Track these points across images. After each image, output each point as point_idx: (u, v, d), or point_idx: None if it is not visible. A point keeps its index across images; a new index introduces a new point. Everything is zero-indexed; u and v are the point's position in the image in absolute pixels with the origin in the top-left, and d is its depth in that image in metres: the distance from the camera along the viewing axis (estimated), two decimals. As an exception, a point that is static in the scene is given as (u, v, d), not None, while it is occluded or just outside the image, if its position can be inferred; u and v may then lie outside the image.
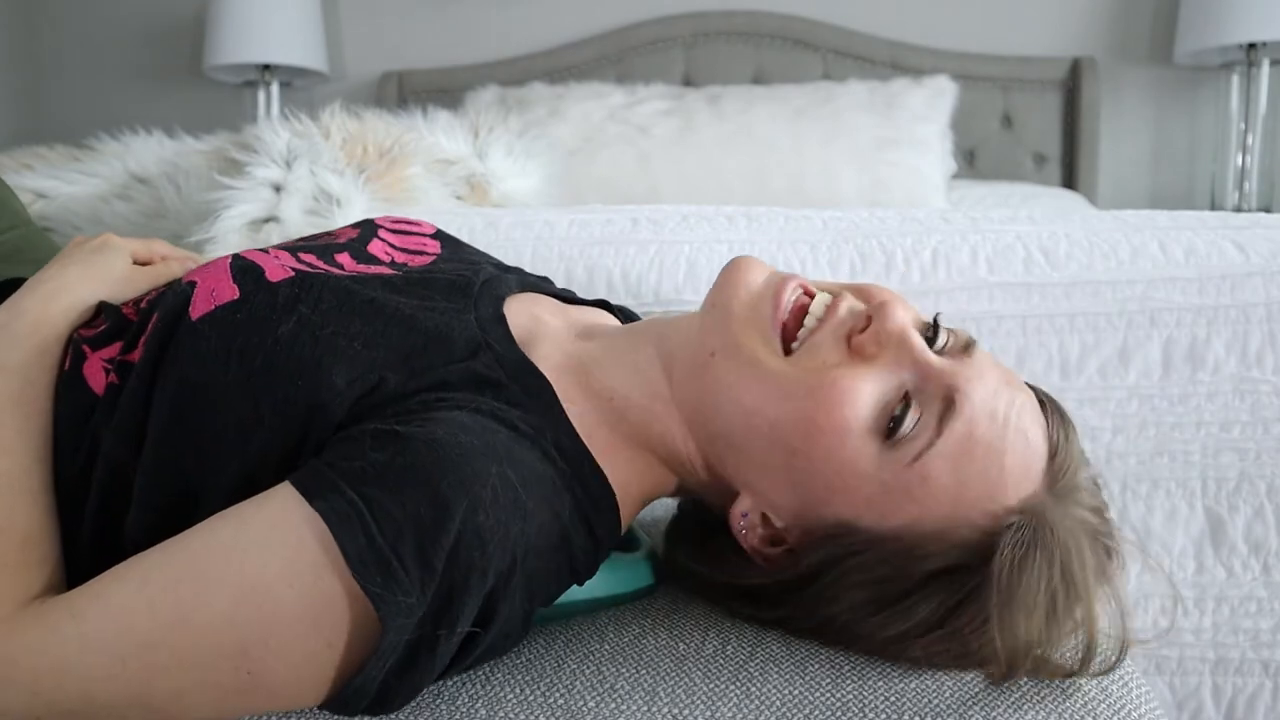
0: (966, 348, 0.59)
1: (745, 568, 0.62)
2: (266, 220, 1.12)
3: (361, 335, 0.58)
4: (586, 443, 0.60)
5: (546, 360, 0.64)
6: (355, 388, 0.56)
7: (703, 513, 0.68)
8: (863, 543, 0.57)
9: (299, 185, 1.14)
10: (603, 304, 0.81)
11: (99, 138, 1.59)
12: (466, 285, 0.66)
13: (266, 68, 2.71)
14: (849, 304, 0.61)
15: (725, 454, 0.62)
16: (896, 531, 0.57)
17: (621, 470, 0.62)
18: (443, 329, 0.61)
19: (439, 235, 0.78)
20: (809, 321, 0.60)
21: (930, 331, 0.60)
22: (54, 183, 1.36)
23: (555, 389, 0.61)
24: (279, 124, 1.26)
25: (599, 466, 0.60)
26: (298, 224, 1.11)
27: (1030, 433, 0.58)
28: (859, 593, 0.57)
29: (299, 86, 2.85)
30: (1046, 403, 0.61)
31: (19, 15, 3.02)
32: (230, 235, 1.10)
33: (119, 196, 1.33)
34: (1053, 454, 0.58)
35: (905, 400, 0.57)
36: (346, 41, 2.87)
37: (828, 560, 0.58)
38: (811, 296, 0.61)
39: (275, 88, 2.77)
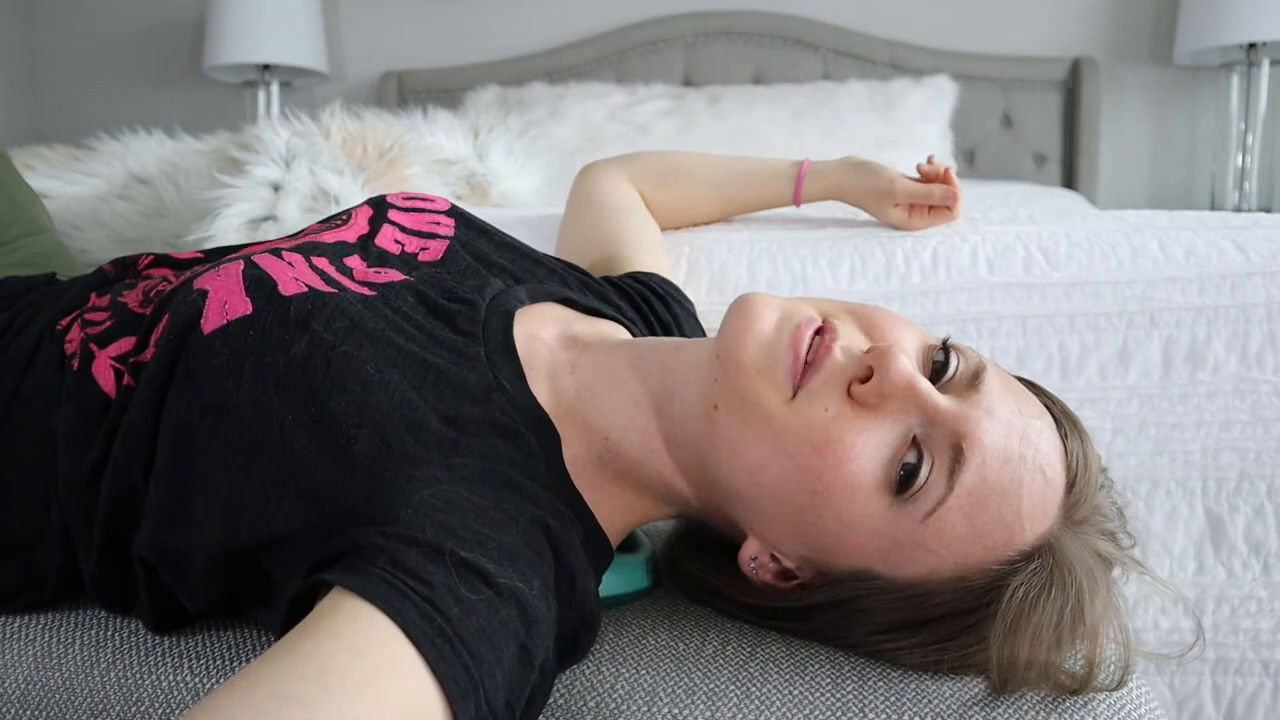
0: (976, 377, 0.56)
1: (750, 589, 0.62)
2: (265, 219, 1.12)
3: (374, 360, 0.57)
4: (576, 482, 0.60)
5: (540, 396, 0.62)
6: (366, 427, 0.54)
7: (705, 528, 0.66)
8: (875, 588, 0.56)
9: (298, 185, 1.14)
10: (632, 276, 0.83)
11: (99, 138, 1.59)
12: (473, 313, 0.64)
13: (266, 68, 2.71)
14: (845, 343, 0.57)
15: (731, 504, 0.60)
16: (911, 580, 0.55)
17: (607, 505, 0.62)
18: (452, 367, 0.60)
19: (453, 212, 0.76)
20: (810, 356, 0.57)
21: (941, 356, 0.57)
22: (54, 183, 1.36)
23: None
24: (279, 124, 1.26)
25: (598, 524, 0.60)
26: (296, 223, 1.11)
27: (1047, 468, 0.55)
28: (869, 624, 0.57)
29: (299, 86, 2.85)
30: (1063, 421, 0.58)
31: (19, 15, 3.02)
32: (229, 234, 1.10)
33: (119, 196, 1.33)
34: (1071, 483, 0.56)
35: (915, 451, 0.54)
36: (346, 41, 2.87)
37: (839, 600, 0.57)
38: (820, 333, 0.58)
39: (275, 88, 2.76)
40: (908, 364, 0.54)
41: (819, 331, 0.57)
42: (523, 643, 0.48)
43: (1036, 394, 0.60)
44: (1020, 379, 0.62)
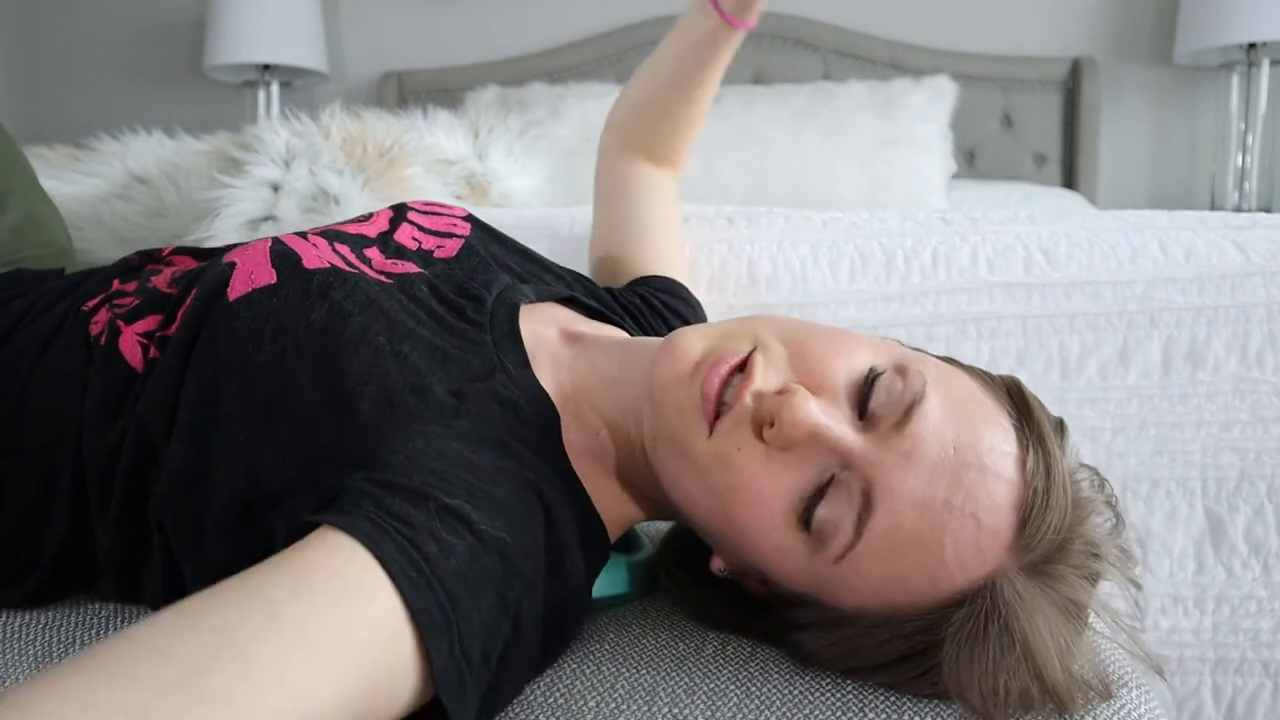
0: (908, 412, 0.52)
1: (734, 595, 0.62)
2: (265, 219, 1.12)
3: (386, 333, 0.59)
4: (575, 467, 0.61)
5: (545, 384, 0.64)
6: (373, 385, 0.56)
7: (690, 540, 0.67)
8: (820, 617, 0.56)
9: (297, 185, 1.14)
10: (634, 284, 0.83)
11: (99, 138, 1.59)
12: (480, 305, 0.67)
13: (266, 68, 2.71)
14: (760, 385, 0.55)
15: (689, 522, 0.62)
16: (848, 613, 0.55)
17: (604, 497, 0.63)
18: (459, 352, 0.62)
19: (470, 218, 0.79)
20: (730, 395, 0.56)
21: (866, 389, 0.54)
22: (54, 183, 1.36)
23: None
24: (279, 124, 1.26)
25: (592, 506, 0.60)
26: (295, 223, 1.11)
27: (982, 513, 0.51)
28: (831, 653, 0.57)
29: (299, 86, 2.85)
30: (1032, 445, 0.53)
31: (18, 15, 3.02)
32: (228, 234, 1.10)
33: (119, 196, 1.33)
34: (1023, 523, 0.51)
35: (820, 493, 0.53)
36: (346, 41, 2.87)
37: (796, 622, 0.58)
38: (743, 368, 0.56)
39: (275, 88, 2.76)
40: (809, 413, 0.52)
41: (745, 363, 0.56)
42: (502, 594, 0.48)
43: (1014, 407, 0.56)
44: (1010, 387, 0.58)
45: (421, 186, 1.26)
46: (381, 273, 0.67)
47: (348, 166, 1.20)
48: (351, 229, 0.72)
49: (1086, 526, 0.54)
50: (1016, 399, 0.56)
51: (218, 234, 1.10)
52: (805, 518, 0.53)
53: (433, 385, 0.58)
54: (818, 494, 0.53)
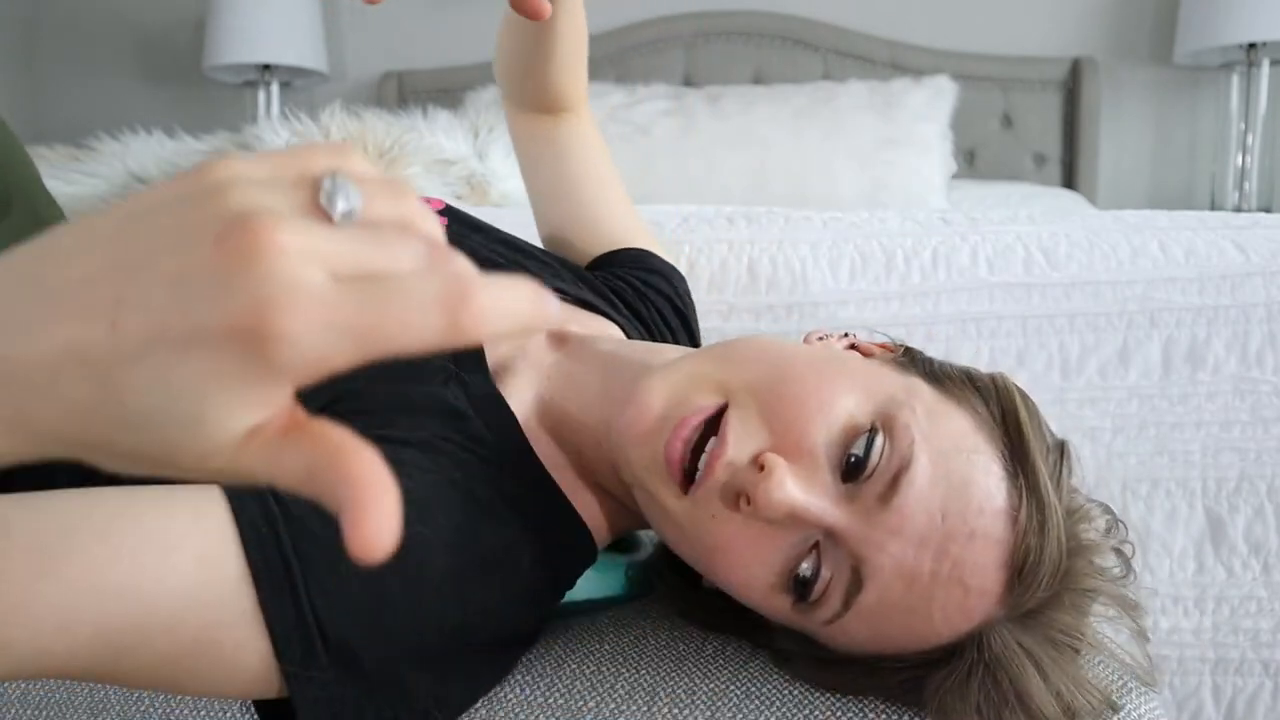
0: (894, 482, 0.50)
1: (725, 604, 0.62)
2: (266, 220, 1.12)
3: None
4: (555, 477, 0.59)
5: (518, 396, 0.62)
6: (318, 402, 0.53)
7: None
8: (812, 651, 0.56)
9: (299, 185, 1.14)
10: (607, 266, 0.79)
11: (99, 138, 1.59)
12: None
13: (266, 68, 2.71)
14: (732, 455, 0.52)
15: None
16: (838, 655, 0.55)
17: (590, 505, 0.62)
18: (414, 358, 0.59)
19: (447, 211, 0.76)
20: (703, 459, 0.53)
21: (860, 451, 0.51)
22: (54, 183, 1.36)
23: (524, 426, 0.60)
24: (279, 124, 1.26)
25: (569, 503, 0.59)
26: (297, 224, 1.11)
27: (970, 578, 0.49)
28: (818, 679, 0.57)
29: (299, 86, 2.85)
30: (1025, 495, 0.51)
31: (19, 15, 3.02)
32: (230, 235, 1.10)
33: (119, 196, 1.33)
34: (1013, 579, 0.50)
35: (813, 561, 0.51)
36: (346, 41, 2.87)
37: (788, 650, 0.57)
38: (714, 424, 0.53)
39: (275, 88, 2.76)
40: (789, 492, 0.49)
41: (715, 422, 0.53)
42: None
43: (1012, 454, 0.53)
44: (1007, 412, 0.55)
45: (421, 186, 1.26)
46: None
47: (348, 166, 1.20)
48: None
49: (1084, 575, 0.52)
50: (1012, 433, 0.53)
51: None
52: (789, 585, 0.52)
53: (372, 388, 0.54)
54: (805, 560, 0.51)
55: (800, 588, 0.51)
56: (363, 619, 0.46)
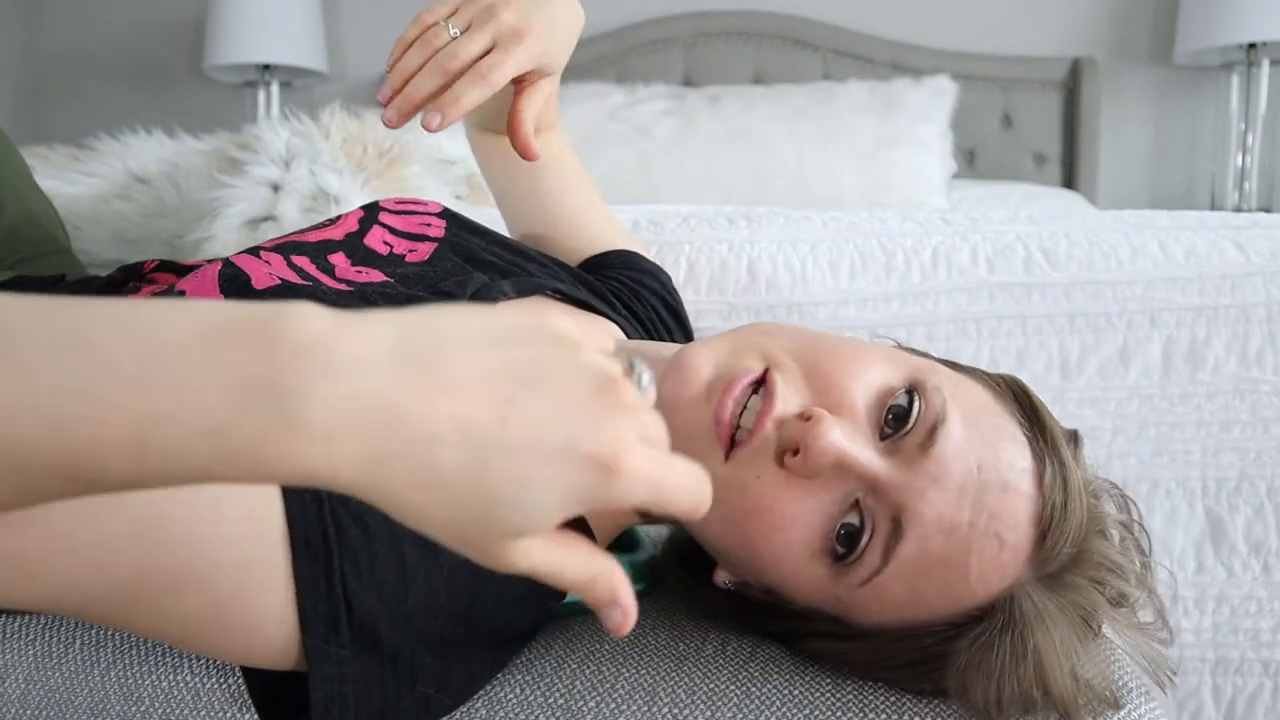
0: (931, 433, 0.52)
1: (735, 600, 0.62)
2: (264, 219, 1.12)
3: None
4: None
5: None
6: None
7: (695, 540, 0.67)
8: (831, 630, 0.56)
9: (297, 185, 1.14)
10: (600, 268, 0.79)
11: (99, 138, 1.59)
12: (454, 299, 0.64)
13: (266, 68, 2.71)
14: (780, 410, 0.53)
15: (694, 535, 0.60)
16: (863, 627, 0.55)
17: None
18: None
19: (445, 214, 0.76)
20: (747, 419, 0.54)
21: (903, 403, 0.53)
22: (54, 183, 1.36)
23: None
24: (279, 124, 1.26)
25: None
26: (295, 223, 1.11)
27: (1005, 531, 0.51)
28: (840, 659, 0.57)
29: (299, 86, 2.85)
30: (1048, 457, 0.54)
31: (19, 16, 3.02)
32: (227, 234, 1.10)
33: (119, 196, 1.33)
34: (1043, 535, 0.52)
35: (855, 518, 0.52)
36: (346, 41, 2.87)
37: (800, 630, 0.58)
38: (756, 390, 0.55)
39: (275, 88, 2.76)
40: (834, 441, 0.51)
41: (759, 384, 0.55)
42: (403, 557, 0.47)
43: (1026, 418, 0.56)
44: (1013, 388, 0.58)
45: (422, 186, 1.26)
46: (343, 280, 0.64)
47: (348, 166, 1.20)
48: (314, 237, 0.69)
49: (1102, 541, 0.54)
50: (1026, 408, 0.56)
51: (218, 234, 1.10)
52: (829, 545, 0.53)
53: None
54: (846, 518, 0.52)
55: (845, 541, 0.52)
56: (388, 600, 0.46)
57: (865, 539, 0.52)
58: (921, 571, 0.51)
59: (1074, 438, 0.57)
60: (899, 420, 0.53)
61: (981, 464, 0.52)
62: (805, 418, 0.52)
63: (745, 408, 0.54)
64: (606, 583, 0.34)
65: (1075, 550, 0.52)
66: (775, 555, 0.54)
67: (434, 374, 0.30)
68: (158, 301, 0.31)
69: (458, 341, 0.32)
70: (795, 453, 0.52)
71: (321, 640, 0.45)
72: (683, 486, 0.34)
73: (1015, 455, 0.53)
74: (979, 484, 0.51)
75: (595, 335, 0.35)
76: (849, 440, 0.52)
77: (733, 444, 0.54)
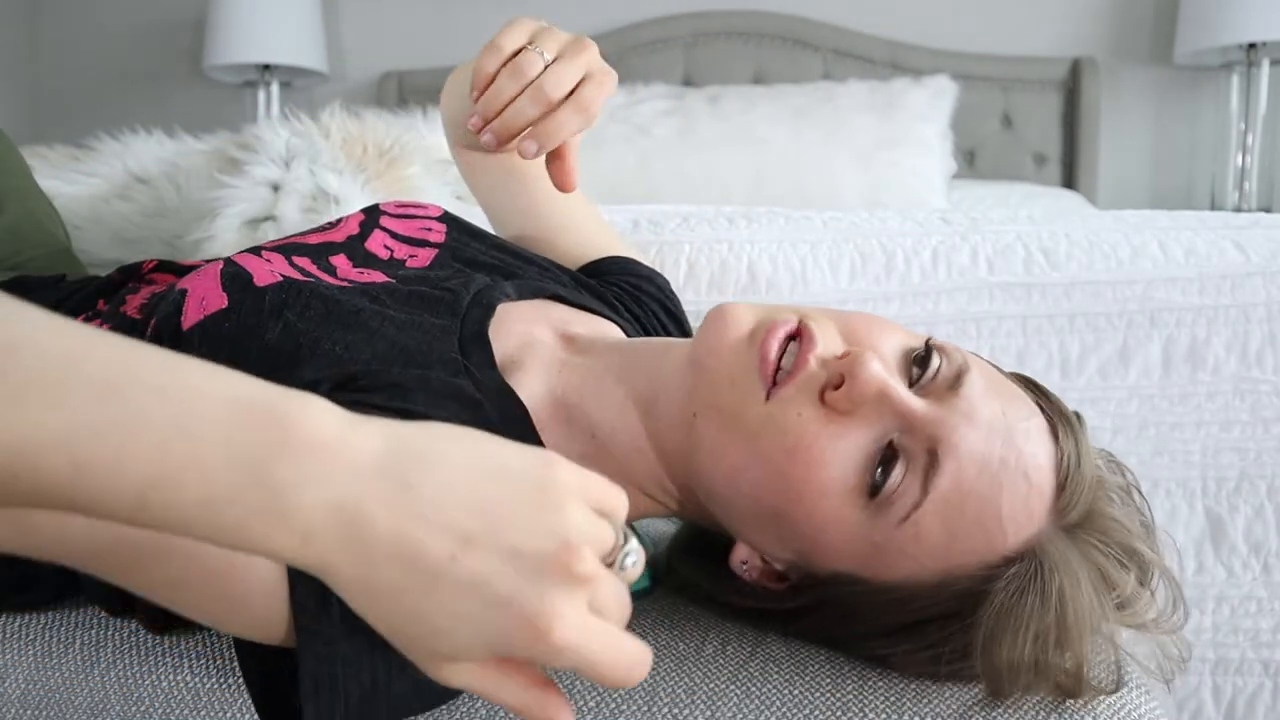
0: (958, 378, 0.55)
1: (747, 591, 0.62)
2: (264, 219, 1.12)
3: (344, 342, 0.57)
4: None
5: (528, 388, 0.62)
6: (325, 386, 0.54)
7: (701, 530, 0.67)
8: (860, 592, 0.56)
9: (297, 185, 1.14)
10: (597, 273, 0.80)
11: (99, 138, 1.59)
12: (455, 301, 0.64)
13: (266, 68, 2.71)
14: (821, 350, 0.56)
15: (715, 507, 0.60)
16: (893, 584, 0.55)
17: None
18: (424, 349, 0.60)
19: (445, 218, 0.76)
20: (786, 362, 0.56)
21: (923, 353, 0.57)
22: (54, 183, 1.36)
23: (534, 419, 0.60)
24: (279, 124, 1.26)
25: None
26: (295, 223, 1.11)
27: (1032, 472, 0.54)
28: (858, 627, 0.57)
29: (299, 86, 2.85)
30: (1059, 422, 0.57)
31: (19, 15, 3.02)
32: (228, 234, 1.10)
33: (119, 196, 1.33)
34: (1061, 485, 0.55)
35: (889, 455, 0.54)
36: (346, 41, 2.87)
37: (826, 601, 0.58)
38: (792, 338, 0.57)
39: (275, 88, 2.76)
40: (879, 370, 0.54)
41: (797, 335, 0.57)
42: None
43: (1034, 393, 0.60)
44: (1019, 376, 0.61)
45: (421, 186, 1.26)
46: (345, 280, 0.64)
47: (348, 166, 1.20)
48: (314, 239, 0.69)
49: (1107, 503, 0.57)
50: (1032, 386, 0.61)
51: (218, 234, 1.10)
52: (868, 480, 0.54)
53: (384, 375, 0.56)
54: (880, 456, 0.54)
55: (883, 471, 0.54)
56: None
57: (900, 475, 0.53)
58: (958, 506, 0.53)
59: (1078, 417, 0.60)
60: (923, 367, 0.56)
61: (1005, 409, 0.55)
62: (845, 357, 0.55)
63: (785, 352, 0.56)
64: (539, 714, 0.37)
65: (1089, 507, 0.55)
66: (813, 497, 0.54)
67: (408, 496, 0.34)
68: (198, 367, 0.34)
69: (449, 469, 0.35)
70: (837, 387, 0.54)
71: (310, 618, 0.45)
72: (614, 662, 0.35)
73: (1031, 410, 0.57)
74: (1006, 425, 0.54)
75: (606, 497, 0.38)
76: (890, 374, 0.55)
77: (773, 384, 0.55)
